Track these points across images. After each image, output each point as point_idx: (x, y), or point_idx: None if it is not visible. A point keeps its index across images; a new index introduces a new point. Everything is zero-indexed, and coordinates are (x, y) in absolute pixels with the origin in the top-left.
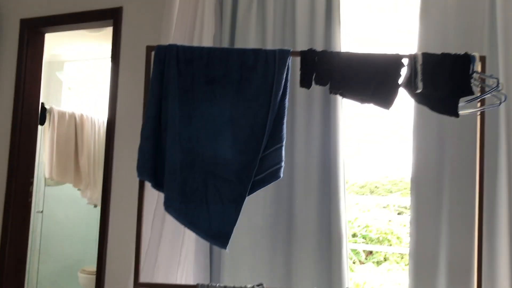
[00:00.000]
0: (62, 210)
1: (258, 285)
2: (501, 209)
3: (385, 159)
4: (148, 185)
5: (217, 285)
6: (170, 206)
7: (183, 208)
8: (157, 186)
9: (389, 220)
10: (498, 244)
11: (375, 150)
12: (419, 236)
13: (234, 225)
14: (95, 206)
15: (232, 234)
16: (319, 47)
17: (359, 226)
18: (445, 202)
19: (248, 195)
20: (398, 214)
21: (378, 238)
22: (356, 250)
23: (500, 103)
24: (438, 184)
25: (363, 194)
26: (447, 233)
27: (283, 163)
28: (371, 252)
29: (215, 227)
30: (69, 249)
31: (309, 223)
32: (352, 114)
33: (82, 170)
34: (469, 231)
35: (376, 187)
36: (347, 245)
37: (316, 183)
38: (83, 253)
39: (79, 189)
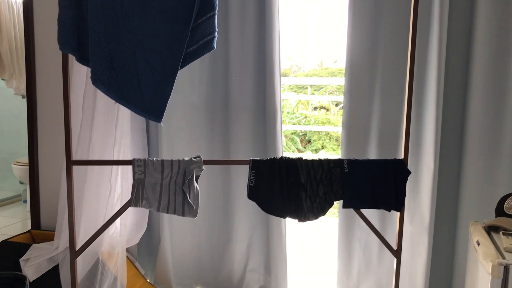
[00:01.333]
0: None
1: (195, 158)
2: (430, 83)
3: (323, 49)
4: (76, 67)
5: (154, 159)
6: (98, 80)
7: (112, 82)
8: (83, 60)
9: (327, 110)
10: (425, 112)
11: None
12: (352, 106)
13: (168, 98)
14: (23, 96)
15: (169, 113)
16: None
17: (297, 117)
18: (378, 75)
19: (181, 68)
20: (336, 105)
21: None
22: (294, 139)
23: None
24: (372, 58)
25: (303, 86)
26: (379, 103)
27: (216, 33)
28: (309, 141)
29: (148, 101)
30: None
31: (245, 100)
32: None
33: (4, 59)
34: (399, 101)
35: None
36: (281, 120)
37: (252, 60)
38: (16, 145)
39: (3, 79)
